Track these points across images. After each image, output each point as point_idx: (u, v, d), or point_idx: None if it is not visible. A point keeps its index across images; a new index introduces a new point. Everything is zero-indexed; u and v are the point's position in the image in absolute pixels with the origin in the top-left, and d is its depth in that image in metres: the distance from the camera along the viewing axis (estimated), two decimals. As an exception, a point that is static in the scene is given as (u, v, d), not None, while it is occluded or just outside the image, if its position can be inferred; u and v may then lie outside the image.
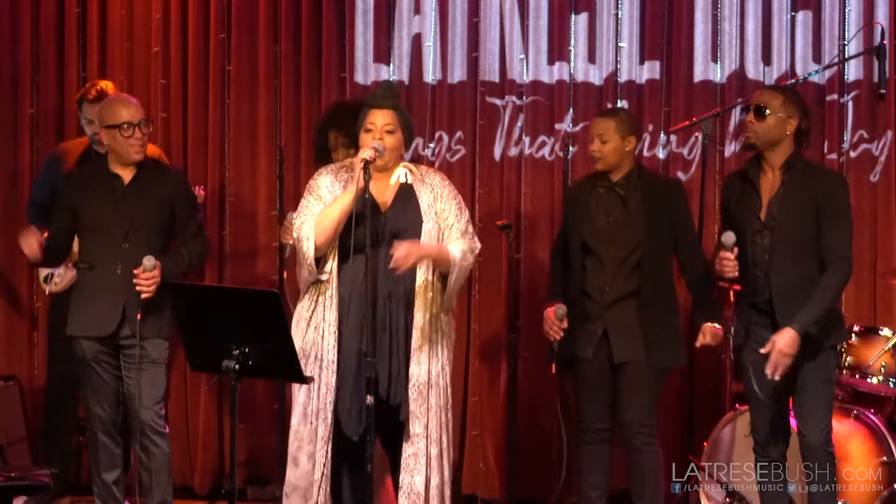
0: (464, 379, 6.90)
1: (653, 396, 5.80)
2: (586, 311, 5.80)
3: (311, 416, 5.15)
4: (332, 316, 5.16)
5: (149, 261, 5.58)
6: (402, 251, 5.07)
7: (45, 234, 5.85)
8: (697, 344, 5.77)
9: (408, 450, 5.14)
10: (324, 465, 5.12)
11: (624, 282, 5.77)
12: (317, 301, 5.20)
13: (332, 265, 5.19)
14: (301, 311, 5.25)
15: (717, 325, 5.75)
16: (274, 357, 4.86)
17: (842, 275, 5.25)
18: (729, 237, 5.26)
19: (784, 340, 5.13)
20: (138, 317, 5.60)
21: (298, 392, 5.20)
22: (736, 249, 5.24)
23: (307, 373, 5.07)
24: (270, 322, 4.81)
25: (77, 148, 6.65)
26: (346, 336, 5.15)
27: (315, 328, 5.18)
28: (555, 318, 5.78)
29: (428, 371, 5.16)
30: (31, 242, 5.78)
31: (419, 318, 5.17)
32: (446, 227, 5.26)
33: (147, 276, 5.57)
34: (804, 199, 5.28)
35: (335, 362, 5.14)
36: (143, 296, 5.58)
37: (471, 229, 5.35)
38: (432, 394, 5.17)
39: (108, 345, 5.74)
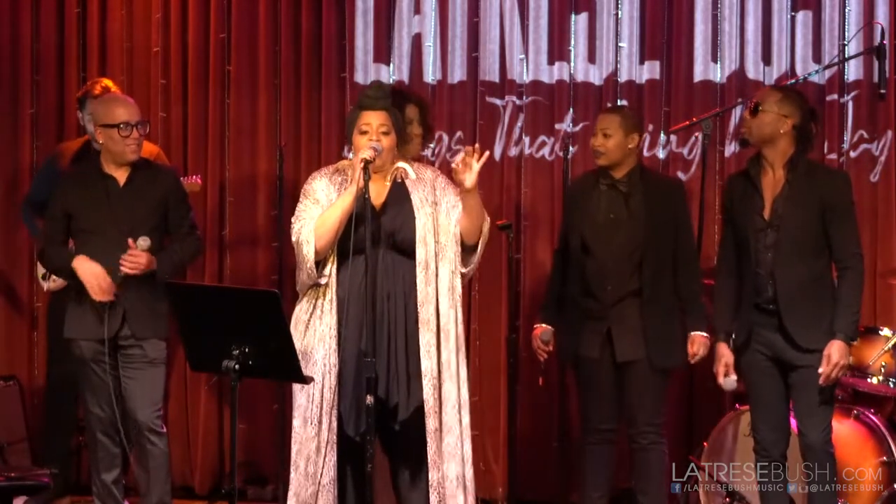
0: (464, 379, 6.89)
1: (660, 395, 5.81)
2: (589, 310, 5.81)
3: (313, 420, 5.14)
4: (331, 319, 5.15)
5: (144, 241, 5.58)
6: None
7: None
8: (690, 356, 5.78)
9: (431, 447, 5.14)
10: (331, 470, 5.11)
11: (626, 280, 5.77)
12: (315, 304, 5.19)
13: (330, 268, 5.19)
14: (299, 314, 5.23)
15: (704, 334, 5.76)
16: (274, 357, 4.86)
17: (859, 271, 5.29)
18: (729, 383, 5.44)
19: (838, 353, 5.19)
20: (116, 287, 5.60)
21: (300, 395, 5.19)
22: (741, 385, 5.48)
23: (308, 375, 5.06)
24: (270, 322, 4.81)
25: (74, 146, 6.65)
26: (345, 338, 5.15)
27: (314, 331, 5.17)
28: (541, 342, 5.84)
29: (438, 364, 5.15)
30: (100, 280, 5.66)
31: (424, 312, 5.15)
32: (450, 207, 5.22)
33: (135, 255, 5.57)
34: (809, 197, 5.29)
35: (336, 365, 5.13)
36: (123, 271, 5.58)
37: None
38: (445, 386, 5.17)
39: (107, 345, 5.73)
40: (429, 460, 5.13)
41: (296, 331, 5.17)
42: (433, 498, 5.13)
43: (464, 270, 5.24)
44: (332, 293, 5.16)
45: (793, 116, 5.32)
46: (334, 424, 5.12)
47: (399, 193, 5.25)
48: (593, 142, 5.86)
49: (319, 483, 5.11)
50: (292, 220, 5.26)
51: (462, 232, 5.20)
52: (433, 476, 5.13)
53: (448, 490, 5.14)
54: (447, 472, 5.14)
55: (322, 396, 5.13)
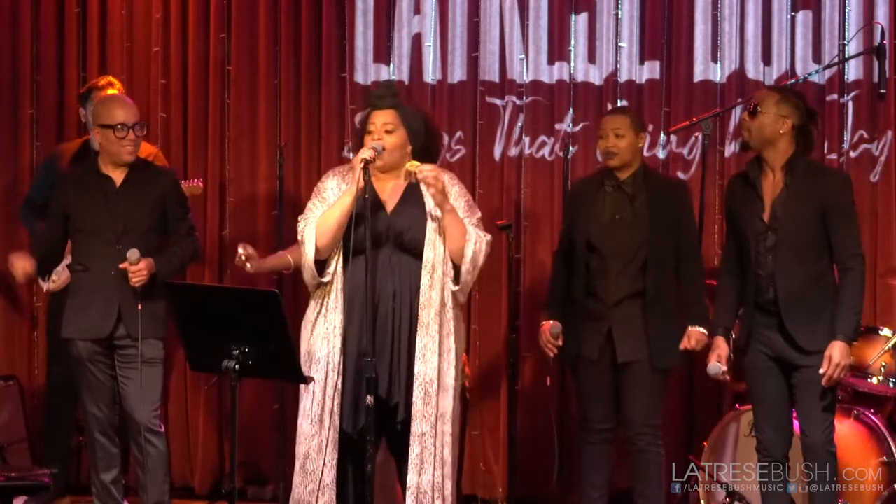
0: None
1: (657, 396, 5.81)
2: (591, 310, 5.80)
3: (317, 420, 5.13)
4: (335, 318, 5.16)
5: (133, 254, 5.59)
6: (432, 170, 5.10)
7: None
8: (681, 346, 5.77)
9: (415, 449, 5.12)
10: (332, 469, 5.11)
11: (629, 282, 5.77)
12: (322, 303, 5.20)
13: (336, 267, 5.19)
14: (308, 315, 5.25)
15: (703, 330, 5.75)
16: (274, 357, 4.86)
17: (860, 272, 5.28)
18: (714, 368, 5.41)
19: (839, 354, 5.18)
20: (139, 307, 5.61)
21: (304, 396, 5.19)
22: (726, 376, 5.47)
23: (311, 375, 5.06)
24: (270, 322, 4.81)
25: (73, 146, 6.65)
26: (349, 337, 5.14)
27: (319, 331, 5.17)
28: (550, 336, 5.82)
29: (437, 369, 5.14)
30: (19, 266, 6.15)
31: (424, 316, 5.15)
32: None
33: (134, 270, 5.58)
34: (808, 199, 5.28)
35: (340, 364, 5.13)
36: (136, 285, 5.60)
37: (481, 227, 5.31)
38: (439, 392, 5.16)
39: (104, 345, 5.74)
40: (409, 463, 5.12)
41: (305, 331, 5.19)
42: (410, 502, 5.11)
43: (454, 288, 5.22)
44: (336, 292, 5.17)
45: (791, 116, 5.32)
46: (336, 423, 5.12)
47: (414, 194, 5.25)
48: (604, 143, 5.83)
49: (321, 482, 5.11)
50: (299, 218, 5.27)
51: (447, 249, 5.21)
52: (412, 479, 5.12)
53: (426, 497, 5.12)
54: (430, 477, 5.12)
55: (325, 395, 5.13)
